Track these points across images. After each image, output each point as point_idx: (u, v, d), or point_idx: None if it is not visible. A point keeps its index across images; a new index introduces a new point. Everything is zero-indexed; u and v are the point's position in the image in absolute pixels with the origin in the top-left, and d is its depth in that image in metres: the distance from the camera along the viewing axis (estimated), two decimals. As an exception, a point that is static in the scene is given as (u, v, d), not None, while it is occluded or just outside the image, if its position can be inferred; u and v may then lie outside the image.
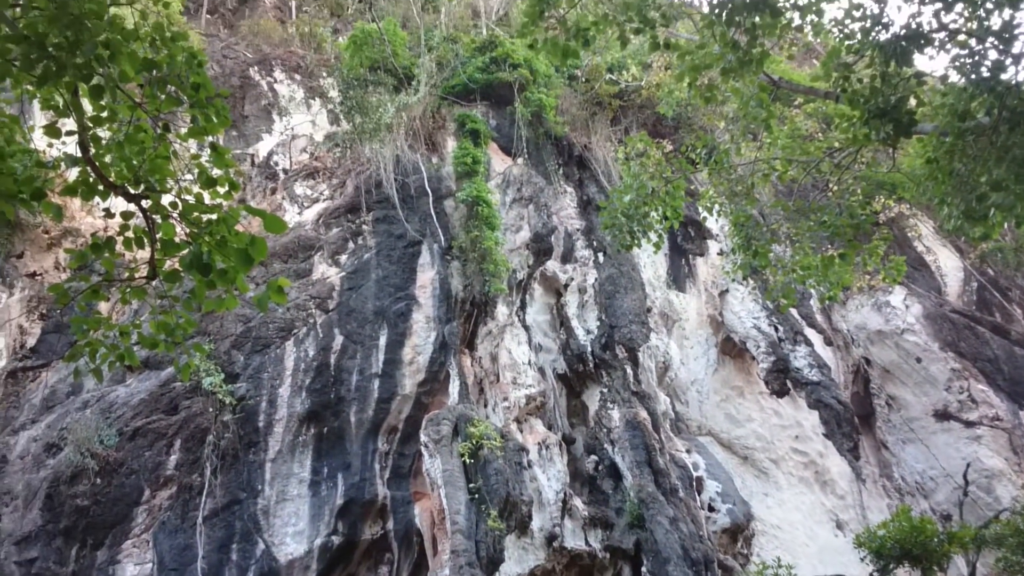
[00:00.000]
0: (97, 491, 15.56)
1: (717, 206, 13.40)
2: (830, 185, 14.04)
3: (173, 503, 15.96)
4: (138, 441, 16.25)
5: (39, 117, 19.85)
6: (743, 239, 12.38)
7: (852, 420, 22.72)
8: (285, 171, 23.61)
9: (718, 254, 25.57)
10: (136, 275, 6.64)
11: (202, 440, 16.45)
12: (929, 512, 22.19)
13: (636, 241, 13.16)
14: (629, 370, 21.17)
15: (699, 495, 19.92)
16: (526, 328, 21.81)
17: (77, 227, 20.55)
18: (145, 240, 6.42)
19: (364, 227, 20.63)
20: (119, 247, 6.52)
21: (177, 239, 6.41)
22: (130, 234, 6.41)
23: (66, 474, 15.52)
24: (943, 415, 23.30)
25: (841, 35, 9.65)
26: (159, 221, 6.40)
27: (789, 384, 22.51)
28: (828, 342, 25.00)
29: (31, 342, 19.08)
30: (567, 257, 23.26)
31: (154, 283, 6.90)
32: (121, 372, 18.19)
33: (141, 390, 17.24)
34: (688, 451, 21.03)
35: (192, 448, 16.37)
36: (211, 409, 16.76)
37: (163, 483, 16.08)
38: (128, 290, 6.69)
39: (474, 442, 17.13)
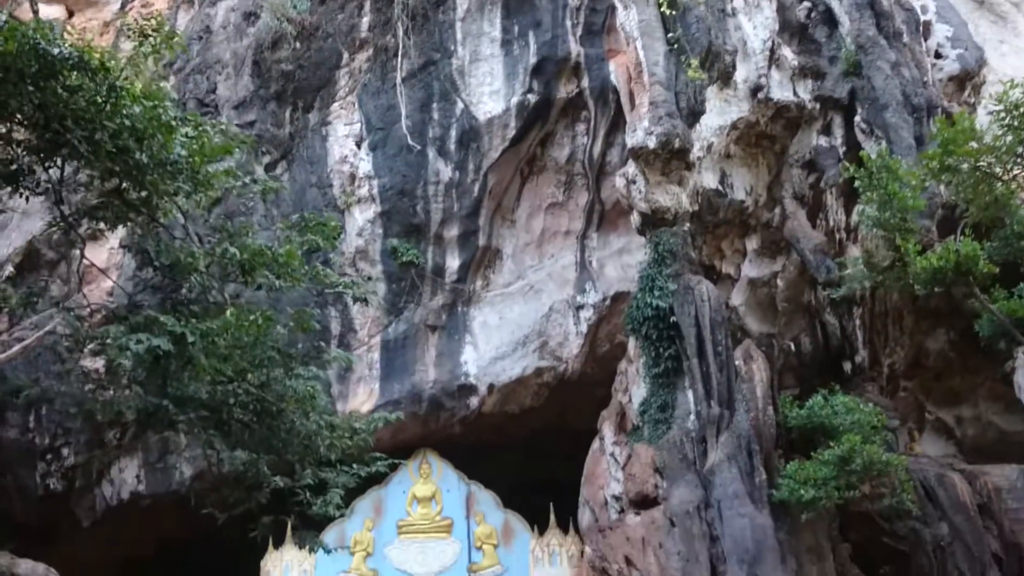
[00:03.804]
0: (299, 56, 16.04)
1: None
2: None
3: (372, 65, 16.24)
4: (329, 4, 16.22)
5: None
6: None
7: None
8: None
9: None
10: None
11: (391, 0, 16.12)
12: None
13: None
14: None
15: (926, 40, 17.83)
16: None
17: None
18: None
19: None
20: None
21: None
22: None
23: (267, 41, 15.95)
24: None
25: None
26: None
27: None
28: None
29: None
30: None
31: None
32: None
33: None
34: (916, -7, 18.49)
35: (382, 9, 16.19)
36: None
37: (359, 46, 16.26)
38: None
39: (672, -10, 15.71)
